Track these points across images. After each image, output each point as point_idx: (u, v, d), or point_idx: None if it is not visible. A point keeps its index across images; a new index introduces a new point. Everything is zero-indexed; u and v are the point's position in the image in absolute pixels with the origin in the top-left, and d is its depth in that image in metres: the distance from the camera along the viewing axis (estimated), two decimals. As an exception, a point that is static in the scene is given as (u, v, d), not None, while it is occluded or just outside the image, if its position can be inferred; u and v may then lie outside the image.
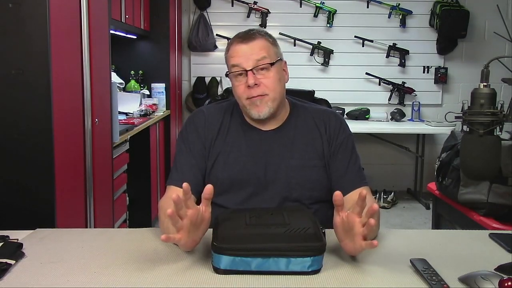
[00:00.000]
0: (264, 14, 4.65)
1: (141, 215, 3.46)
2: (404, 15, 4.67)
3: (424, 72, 4.75)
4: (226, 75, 1.43)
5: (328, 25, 4.69)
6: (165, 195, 1.39)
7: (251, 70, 1.36)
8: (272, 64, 1.38)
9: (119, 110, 2.75)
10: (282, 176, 1.41)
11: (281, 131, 1.46)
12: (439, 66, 4.73)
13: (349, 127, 1.52)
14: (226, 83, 4.56)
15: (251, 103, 1.38)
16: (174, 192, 1.36)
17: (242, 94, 1.38)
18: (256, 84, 1.36)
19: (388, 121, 4.67)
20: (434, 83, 4.76)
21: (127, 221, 3.12)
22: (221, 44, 4.68)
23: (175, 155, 1.47)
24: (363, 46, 4.70)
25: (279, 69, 1.41)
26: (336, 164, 1.43)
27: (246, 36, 1.39)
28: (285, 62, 1.46)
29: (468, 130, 1.23)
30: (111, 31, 2.66)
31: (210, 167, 1.42)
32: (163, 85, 4.00)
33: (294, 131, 1.45)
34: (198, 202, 1.41)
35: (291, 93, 1.54)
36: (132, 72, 3.98)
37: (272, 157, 1.42)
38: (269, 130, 1.46)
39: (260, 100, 1.37)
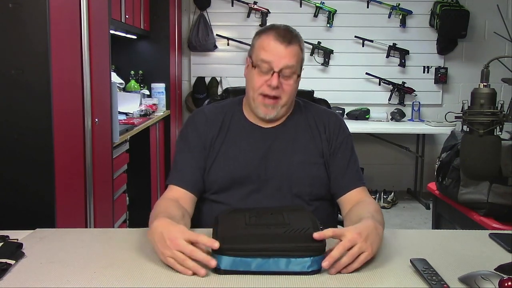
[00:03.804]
0: (264, 14, 4.65)
1: (141, 215, 3.42)
2: (404, 15, 4.67)
3: (424, 72, 4.75)
4: (249, 56, 1.43)
5: (328, 25, 4.69)
6: (164, 195, 1.40)
7: (278, 72, 1.36)
8: (298, 75, 1.41)
9: (119, 110, 2.75)
10: (283, 172, 1.42)
11: (282, 128, 1.47)
12: (439, 66, 4.73)
13: (349, 127, 1.54)
14: (226, 83, 4.56)
15: (263, 102, 1.40)
16: (174, 192, 1.38)
17: (258, 87, 1.40)
18: (277, 87, 1.37)
19: (388, 121, 4.67)
20: (434, 83, 4.76)
21: (127, 221, 3.12)
22: (221, 44, 4.68)
23: (175, 154, 1.48)
24: (363, 46, 4.70)
25: (297, 80, 1.43)
26: (336, 163, 1.45)
27: (286, 37, 1.38)
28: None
29: (468, 130, 1.23)
30: (111, 31, 2.66)
31: (210, 165, 1.43)
32: (163, 85, 4.00)
33: (295, 128, 1.47)
34: (198, 201, 1.43)
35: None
36: (132, 72, 3.98)
37: (273, 153, 1.43)
38: (271, 127, 1.47)
39: (273, 105, 1.40)
